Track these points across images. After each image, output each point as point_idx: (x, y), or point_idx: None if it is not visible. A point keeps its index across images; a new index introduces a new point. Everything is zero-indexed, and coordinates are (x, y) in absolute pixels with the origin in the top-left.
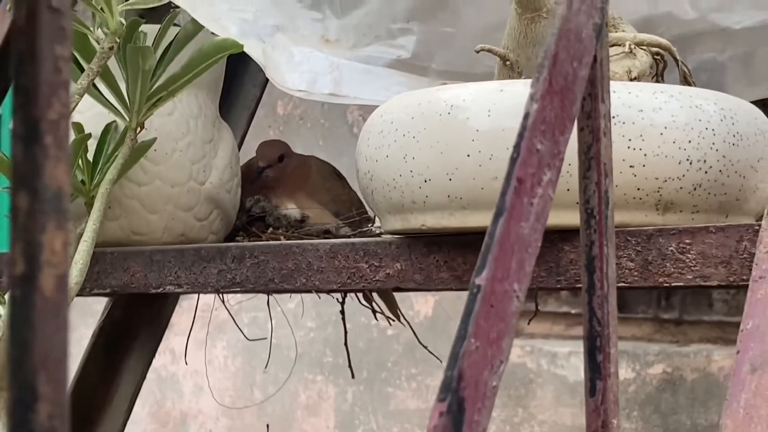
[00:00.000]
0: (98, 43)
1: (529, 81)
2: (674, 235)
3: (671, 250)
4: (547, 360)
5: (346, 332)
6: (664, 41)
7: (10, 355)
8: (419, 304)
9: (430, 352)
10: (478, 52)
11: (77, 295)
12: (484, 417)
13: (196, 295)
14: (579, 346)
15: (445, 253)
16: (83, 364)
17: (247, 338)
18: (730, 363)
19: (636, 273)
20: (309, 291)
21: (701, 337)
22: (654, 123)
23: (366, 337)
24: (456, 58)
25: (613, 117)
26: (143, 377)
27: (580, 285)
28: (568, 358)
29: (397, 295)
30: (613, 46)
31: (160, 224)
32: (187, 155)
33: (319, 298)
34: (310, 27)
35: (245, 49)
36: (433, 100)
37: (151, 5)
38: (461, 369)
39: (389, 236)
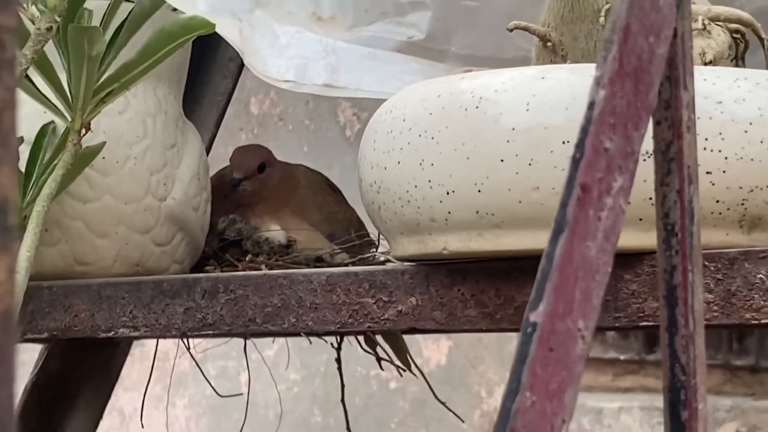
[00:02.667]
0: (33, 24)
1: (577, 66)
2: (764, 259)
3: (760, 278)
4: (591, 418)
5: (343, 386)
6: (746, 15)
7: None
8: (429, 350)
9: (447, 408)
10: (511, 30)
11: None
12: None
13: (152, 341)
14: (630, 401)
15: (473, 285)
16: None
17: (219, 394)
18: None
19: (716, 307)
20: (299, 334)
21: None
22: (736, 118)
23: (364, 392)
24: (481, 39)
25: None
26: (96, 423)
27: (643, 323)
28: (617, 415)
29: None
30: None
31: (110, 251)
32: (143, 164)
33: (310, 342)
34: (297, 2)
35: (217, 30)
36: (456, 92)
37: None
38: (514, 430)
39: (401, 264)
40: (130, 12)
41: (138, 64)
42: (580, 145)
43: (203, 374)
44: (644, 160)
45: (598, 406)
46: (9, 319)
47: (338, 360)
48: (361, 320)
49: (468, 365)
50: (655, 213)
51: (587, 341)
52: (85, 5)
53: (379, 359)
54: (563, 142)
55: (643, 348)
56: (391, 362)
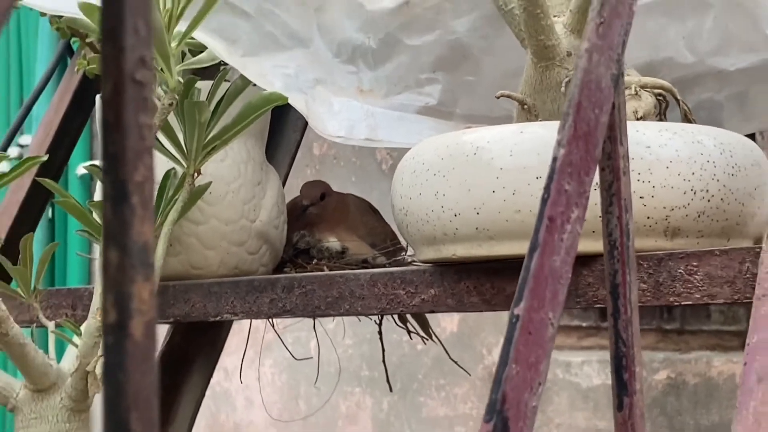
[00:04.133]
0: (159, 100)
1: (546, 123)
2: (682, 259)
3: (680, 272)
4: (562, 369)
5: (383, 350)
6: (666, 83)
7: (105, 396)
8: (446, 322)
9: (458, 365)
10: (498, 97)
11: None
12: None
13: (247, 321)
14: (590, 356)
15: (475, 280)
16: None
17: (294, 357)
18: (728, 368)
19: (649, 293)
20: (351, 315)
21: (701, 344)
22: (660, 158)
23: (398, 353)
24: (477, 103)
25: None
26: (202, 396)
27: (596, 305)
28: (581, 366)
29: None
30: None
31: (216, 259)
32: (239, 196)
33: (359, 320)
34: (346, 79)
35: (290, 101)
36: (460, 143)
37: (205, 65)
38: (504, 392)
39: (423, 265)
40: (227, 90)
41: (233, 126)
42: (547, 188)
43: (283, 343)
44: (595, 189)
45: (567, 360)
46: (151, 327)
47: (380, 332)
48: (396, 306)
49: (473, 333)
50: (602, 232)
51: (555, 326)
52: (195, 85)
53: (408, 332)
54: (536, 178)
55: (599, 318)
56: (417, 334)
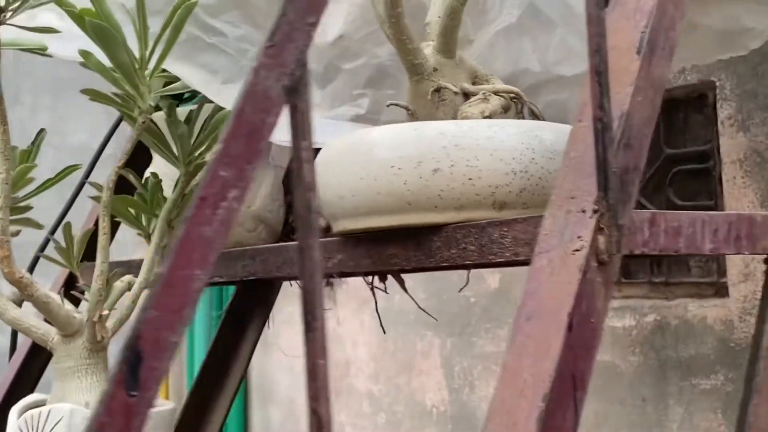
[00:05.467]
0: (134, 121)
1: (423, 122)
2: (497, 226)
3: (496, 236)
4: None
5: (376, 302)
6: (513, 88)
7: None
8: (489, 279)
9: (427, 313)
10: (388, 106)
11: None
12: (163, 363)
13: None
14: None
15: (366, 247)
16: (219, 329)
17: (378, 314)
18: (700, 312)
19: (475, 254)
20: (291, 278)
21: (683, 293)
22: (486, 147)
23: (457, 305)
24: (396, 112)
25: (457, 145)
26: (258, 337)
27: (444, 263)
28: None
29: (476, 271)
30: (475, 95)
31: None
32: None
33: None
34: None
35: None
36: (344, 141)
37: (178, 92)
38: (140, 331)
39: (336, 237)
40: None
41: (207, 139)
42: (205, 174)
43: (375, 302)
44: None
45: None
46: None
47: (371, 287)
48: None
49: (511, 286)
50: (294, 206)
51: (203, 280)
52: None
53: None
54: (390, 167)
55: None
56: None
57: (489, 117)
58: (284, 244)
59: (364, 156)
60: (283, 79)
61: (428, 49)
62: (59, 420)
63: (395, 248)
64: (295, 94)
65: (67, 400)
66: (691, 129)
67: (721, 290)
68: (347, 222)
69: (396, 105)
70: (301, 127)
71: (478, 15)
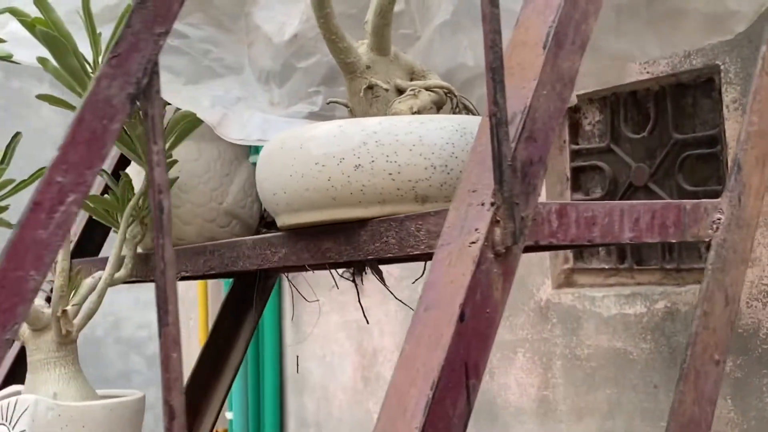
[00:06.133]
0: None
1: (356, 119)
2: (414, 219)
3: (413, 230)
4: (589, 302)
5: (358, 293)
6: (444, 84)
7: None
8: None
9: (402, 302)
10: (328, 103)
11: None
12: None
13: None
14: (610, 291)
15: (306, 241)
16: (217, 320)
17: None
18: None
19: (396, 247)
20: (244, 269)
21: (695, 279)
22: (405, 143)
23: None
24: (341, 110)
25: (377, 142)
26: (255, 328)
27: (370, 256)
28: (603, 300)
29: None
30: (405, 90)
31: (193, 232)
32: (208, 185)
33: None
34: (263, 96)
35: (200, 115)
36: (278, 138)
37: None
38: None
39: (280, 232)
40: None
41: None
42: (40, 182)
43: (393, 294)
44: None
45: (592, 295)
46: None
47: (353, 279)
48: (265, 262)
49: (525, 274)
50: (153, 208)
51: (38, 280)
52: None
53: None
54: (315, 164)
55: (617, 261)
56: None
57: (418, 113)
58: (238, 239)
59: (294, 153)
60: (128, 88)
61: (362, 48)
62: (25, 410)
63: (329, 242)
64: (146, 101)
65: (37, 391)
66: (700, 113)
67: None
68: (285, 217)
69: (336, 102)
70: (152, 132)
71: (425, 11)
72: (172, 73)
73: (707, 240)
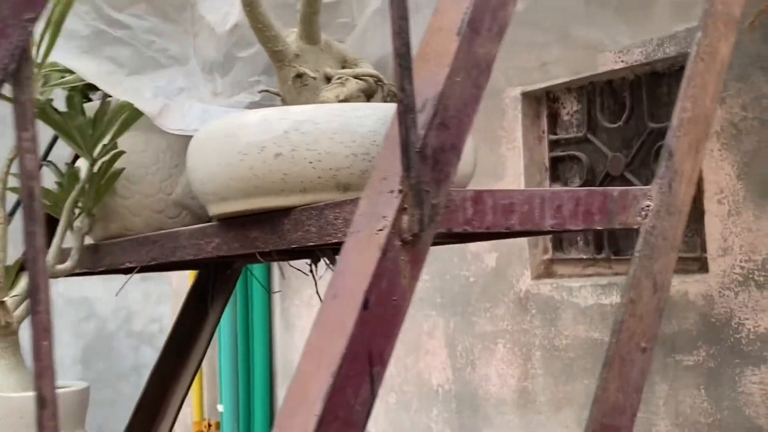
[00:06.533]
0: None
1: (288, 107)
2: (332, 208)
3: (331, 218)
4: (567, 292)
5: (316, 284)
6: (373, 72)
7: None
8: (488, 259)
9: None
10: (260, 92)
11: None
12: None
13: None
14: (587, 282)
15: (235, 230)
16: (182, 310)
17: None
18: (683, 287)
19: (316, 236)
20: (182, 258)
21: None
22: (325, 131)
23: (458, 284)
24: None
25: (298, 130)
26: (220, 318)
27: (294, 245)
28: (580, 290)
29: (474, 251)
30: (332, 78)
31: (142, 223)
32: (156, 176)
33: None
34: (206, 86)
35: (139, 106)
36: (224, 125)
37: (72, 84)
38: None
39: (214, 221)
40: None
41: (107, 129)
42: None
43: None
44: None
45: (570, 286)
46: None
47: (311, 272)
48: (200, 251)
49: (506, 266)
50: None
51: None
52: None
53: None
54: (237, 152)
55: (594, 251)
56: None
57: (345, 101)
58: (176, 230)
59: (220, 143)
60: None
61: (292, 36)
62: None
63: (257, 231)
64: (16, 87)
65: None
66: (675, 102)
67: (705, 265)
68: (214, 207)
69: (268, 92)
70: (21, 118)
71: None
72: (115, 63)
73: (636, 227)
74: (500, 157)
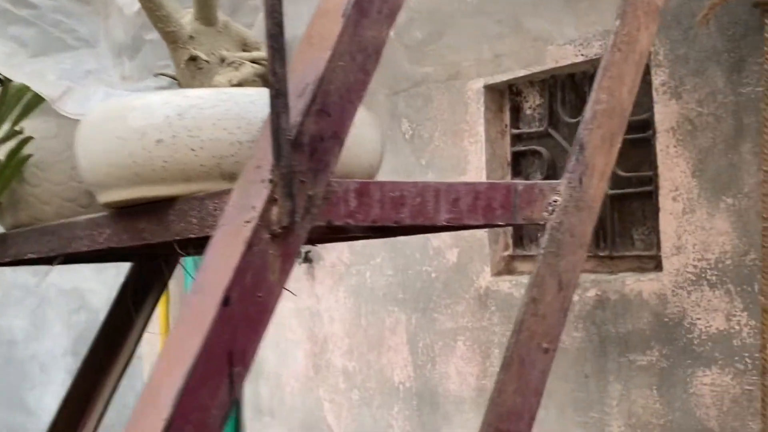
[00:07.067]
0: None
1: (183, 90)
2: (212, 198)
3: (211, 209)
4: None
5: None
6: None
7: None
8: (449, 254)
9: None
10: (155, 75)
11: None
12: None
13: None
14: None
15: (124, 221)
16: (114, 305)
17: None
18: (638, 286)
19: (197, 227)
20: (81, 249)
21: (627, 267)
22: (209, 117)
23: (421, 280)
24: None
25: (180, 115)
26: (152, 312)
27: (177, 236)
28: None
29: (437, 246)
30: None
31: (52, 211)
32: (67, 164)
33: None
34: (115, 69)
35: (38, 89)
36: (92, 114)
37: None
38: None
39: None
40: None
41: (6, 113)
42: None
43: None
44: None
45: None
46: None
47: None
48: (93, 243)
49: (467, 261)
50: None
51: None
52: None
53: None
54: (116, 138)
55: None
56: None
57: (239, 85)
58: (72, 219)
59: (101, 128)
60: None
61: (188, 17)
62: None
63: (144, 222)
64: None
65: None
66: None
67: (660, 264)
68: (100, 195)
69: (164, 75)
70: None
71: None
72: (18, 44)
73: (542, 223)
74: (463, 150)
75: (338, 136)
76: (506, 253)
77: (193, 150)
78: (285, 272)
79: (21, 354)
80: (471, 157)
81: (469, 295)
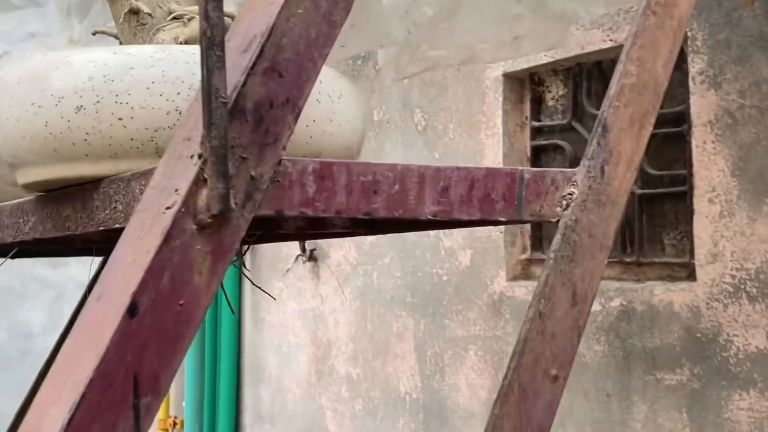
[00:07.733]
0: None
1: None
2: (139, 178)
3: (137, 192)
4: None
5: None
6: (228, 11)
7: None
8: (462, 257)
9: (264, 291)
10: (94, 34)
11: None
12: None
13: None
14: None
15: (50, 207)
16: (80, 304)
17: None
18: (668, 297)
19: (123, 214)
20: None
21: (655, 275)
22: (141, 79)
23: (431, 283)
24: None
25: (105, 76)
26: None
27: (102, 226)
28: None
29: (449, 246)
30: (175, 18)
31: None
32: None
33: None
34: (63, 33)
35: None
36: (6, 76)
37: None
38: None
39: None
40: None
41: None
42: None
43: (337, 287)
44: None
45: None
46: None
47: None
48: (19, 234)
49: (480, 265)
50: None
51: None
52: None
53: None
54: (31, 104)
55: None
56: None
57: (186, 44)
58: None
59: (14, 92)
60: None
61: None
62: None
63: (68, 209)
64: None
65: None
66: (668, 87)
67: (693, 273)
68: (18, 175)
69: (103, 33)
70: None
71: None
72: None
73: (554, 220)
74: (479, 144)
75: (293, 103)
76: (523, 257)
77: (120, 119)
78: (216, 274)
79: (38, 347)
80: (487, 151)
81: (482, 300)
